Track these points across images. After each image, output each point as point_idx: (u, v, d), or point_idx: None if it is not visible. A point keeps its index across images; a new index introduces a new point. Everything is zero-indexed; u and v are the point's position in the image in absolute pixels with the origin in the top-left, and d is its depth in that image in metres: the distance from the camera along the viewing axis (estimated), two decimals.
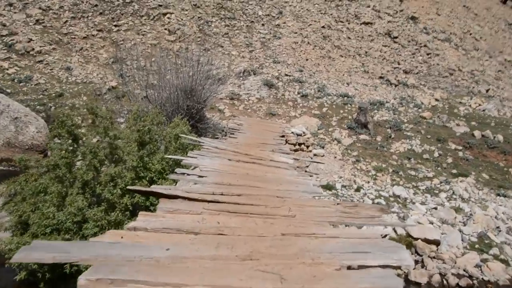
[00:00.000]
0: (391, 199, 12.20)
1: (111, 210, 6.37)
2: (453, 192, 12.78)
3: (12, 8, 22.83)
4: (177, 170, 4.97)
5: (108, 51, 20.75)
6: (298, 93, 18.50)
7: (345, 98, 18.58)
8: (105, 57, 20.30)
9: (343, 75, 21.54)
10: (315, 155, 13.93)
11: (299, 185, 5.04)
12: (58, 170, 6.79)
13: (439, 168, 14.26)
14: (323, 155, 14.01)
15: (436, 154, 14.95)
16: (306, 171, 10.41)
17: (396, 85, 21.39)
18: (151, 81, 13.31)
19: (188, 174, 4.87)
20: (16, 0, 23.55)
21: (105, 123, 7.31)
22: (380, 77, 21.99)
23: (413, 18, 29.36)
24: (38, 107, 15.15)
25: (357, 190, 12.51)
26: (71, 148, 7.18)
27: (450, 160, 14.66)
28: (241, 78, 19.25)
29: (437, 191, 12.90)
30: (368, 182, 13.19)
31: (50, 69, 18.78)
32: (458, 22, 31.41)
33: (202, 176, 4.67)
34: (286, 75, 19.83)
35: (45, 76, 18.13)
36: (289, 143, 11.91)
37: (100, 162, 7.18)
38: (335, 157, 14.15)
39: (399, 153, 14.92)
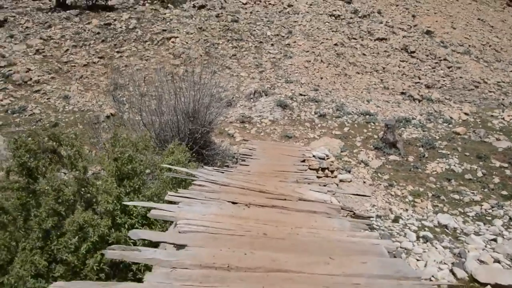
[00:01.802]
0: (437, 229, 9.96)
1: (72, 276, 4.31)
2: (510, 218, 10.48)
3: (13, 39, 21.48)
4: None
5: (109, 78, 19.02)
6: (315, 113, 16.45)
7: (367, 116, 16.50)
8: (106, 84, 18.55)
9: (362, 92, 19.51)
10: (341, 181, 11.76)
11: (367, 255, 2.85)
12: (4, 216, 4.85)
13: (486, 190, 11.97)
14: (350, 181, 11.82)
15: (479, 174, 12.68)
16: (355, 214, 8.08)
17: (420, 101, 19.27)
18: (152, 107, 11.41)
19: (151, 245, 2.75)
20: (17, 32, 22.24)
21: (71, 151, 5.30)
22: (402, 93, 19.90)
23: (428, 32, 27.42)
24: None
25: (395, 220, 10.31)
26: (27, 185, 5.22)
27: (497, 180, 12.38)
28: (251, 100, 17.31)
29: (489, 218, 10.62)
30: (406, 210, 10.96)
31: (47, 99, 17.09)
32: (476, 34, 29.36)
33: (180, 247, 2.55)
34: (301, 94, 17.86)
35: (41, 105, 16.41)
36: (310, 169, 9.78)
37: (65, 204, 5.18)
38: (364, 182, 11.96)
39: (437, 174, 12.67)
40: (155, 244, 3.09)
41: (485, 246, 8.91)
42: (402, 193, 11.59)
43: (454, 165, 13.17)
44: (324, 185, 6.32)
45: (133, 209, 4.87)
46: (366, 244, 3.01)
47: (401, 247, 8.95)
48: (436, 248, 8.80)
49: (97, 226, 4.68)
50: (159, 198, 5.37)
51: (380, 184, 11.91)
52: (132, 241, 4.64)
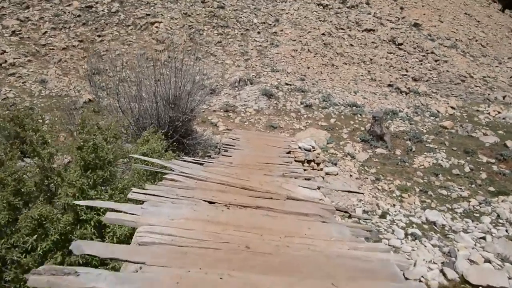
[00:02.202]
0: (425, 226, 9.61)
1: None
2: (498, 216, 10.18)
3: None
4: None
5: (89, 62, 18.17)
6: (301, 103, 15.94)
7: (354, 107, 16.06)
8: (86, 68, 17.71)
9: (349, 83, 19.06)
10: (327, 173, 11.31)
11: (378, 278, 2.24)
12: None
13: (473, 186, 11.66)
14: (337, 174, 11.38)
15: (467, 169, 12.36)
16: (351, 216, 7.53)
17: (407, 93, 18.91)
18: (132, 93, 10.73)
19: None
20: None
21: (35, 137, 4.69)
22: (389, 85, 19.51)
23: (416, 25, 27.08)
24: None
25: (383, 216, 9.92)
26: None
27: (484, 175, 12.07)
28: (236, 88, 16.71)
29: (477, 215, 10.31)
30: (394, 205, 10.58)
31: (23, 82, 16.20)
32: (462, 28, 29.13)
33: (140, 266, 1.94)
34: (287, 84, 17.31)
35: (16, 89, 15.54)
36: (296, 161, 9.29)
37: (26, 196, 4.60)
38: (351, 176, 11.54)
39: (424, 169, 12.32)
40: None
41: (475, 245, 8.56)
42: (389, 188, 11.20)
43: (442, 160, 12.84)
44: (309, 179, 5.80)
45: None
46: (374, 260, 2.47)
47: (389, 245, 8.56)
48: (425, 246, 8.41)
49: (57, 222, 4.10)
50: None
51: (367, 178, 11.51)
52: (98, 239, 4.09)
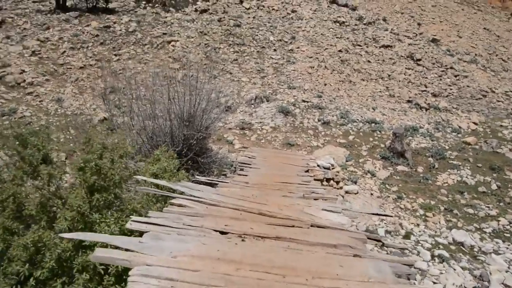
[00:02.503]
0: (453, 247, 9.03)
1: None
2: None
3: (9, 40, 20.62)
4: None
5: (106, 81, 18.14)
6: (319, 120, 15.55)
7: (373, 124, 15.59)
8: (102, 87, 17.66)
9: (367, 99, 18.62)
10: (347, 192, 10.84)
11: None
12: None
13: (501, 204, 11.04)
14: (357, 192, 10.89)
15: (494, 186, 11.75)
16: (384, 245, 6.96)
17: (427, 109, 18.37)
18: (148, 111, 10.50)
19: None
20: (15, 33, 21.39)
21: (35, 155, 4.41)
22: (408, 101, 19.00)
23: (434, 40, 26.59)
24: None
25: (407, 236, 9.38)
26: None
27: None
28: (252, 106, 16.42)
29: (508, 235, 9.70)
30: (418, 224, 10.03)
31: (40, 101, 16.21)
32: (482, 43, 28.51)
33: None
34: (304, 101, 16.96)
35: (32, 108, 15.53)
36: (315, 180, 8.87)
37: (28, 219, 4.30)
38: (372, 194, 11.04)
39: (448, 187, 11.74)
40: None
41: (508, 267, 7.98)
42: (412, 207, 10.66)
43: (466, 177, 12.24)
44: (324, 199, 5.36)
45: (105, 228, 3.94)
46: None
47: (414, 267, 8.00)
48: (454, 269, 7.85)
49: (54, 247, 3.75)
50: (141, 215, 4.45)
51: (389, 197, 10.99)
52: (102, 266, 3.74)
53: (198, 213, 3.40)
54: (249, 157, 9.25)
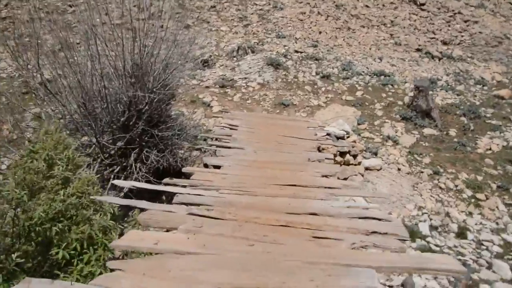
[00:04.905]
0: None
1: None
2: None
3: None
4: None
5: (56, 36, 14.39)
6: (317, 73, 12.23)
7: (382, 77, 12.36)
8: (51, 43, 13.97)
9: (370, 48, 15.26)
10: (367, 169, 7.66)
11: None
12: None
13: None
14: (380, 168, 7.75)
15: None
16: None
17: (440, 58, 15.14)
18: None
19: None
20: None
21: None
22: (418, 49, 15.71)
23: None
24: None
25: (461, 234, 6.34)
26: None
27: None
28: (234, 59, 12.96)
29: None
30: (471, 213, 7.00)
31: None
32: None
33: None
34: (296, 51, 13.54)
35: None
36: (327, 158, 5.64)
37: None
38: (399, 170, 7.90)
39: (494, 155, 8.71)
40: None
41: None
42: (456, 186, 7.60)
43: None
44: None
45: None
46: None
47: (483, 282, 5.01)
48: None
49: None
50: None
51: (422, 172, 7.90)
52: None
53: None
54: (230, 127, 5.95)
